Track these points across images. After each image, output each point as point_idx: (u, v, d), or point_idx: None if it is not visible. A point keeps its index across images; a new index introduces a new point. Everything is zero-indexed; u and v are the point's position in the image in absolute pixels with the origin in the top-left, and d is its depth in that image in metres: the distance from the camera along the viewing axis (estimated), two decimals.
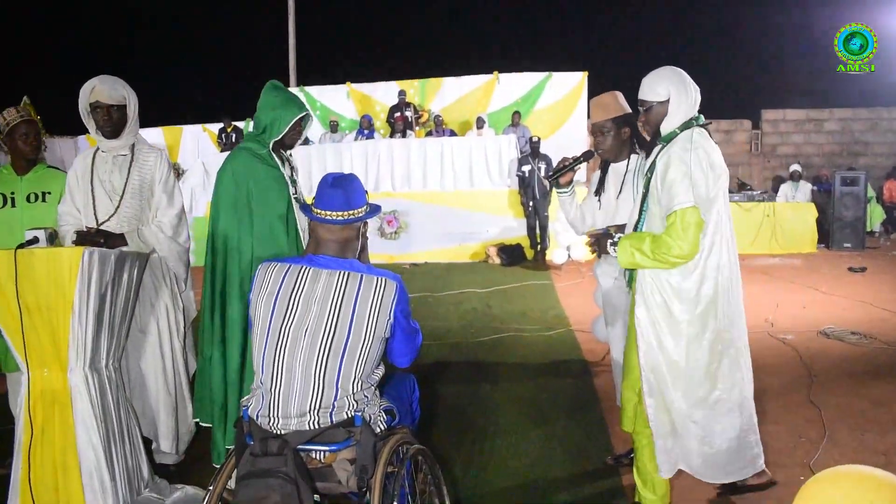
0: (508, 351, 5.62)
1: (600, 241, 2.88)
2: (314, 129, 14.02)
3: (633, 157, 3.30)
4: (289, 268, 2.14)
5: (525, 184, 10.84)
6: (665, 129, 2.72)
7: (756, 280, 9.16)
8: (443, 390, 4.60)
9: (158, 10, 26.35)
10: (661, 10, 25.22)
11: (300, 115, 3.13)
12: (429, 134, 13.17)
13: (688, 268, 2.62)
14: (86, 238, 3.00)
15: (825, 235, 12.46)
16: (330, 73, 16.14)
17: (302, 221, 3.11)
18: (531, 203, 10.75)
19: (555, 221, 10.59)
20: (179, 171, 14.65)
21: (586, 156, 3.37)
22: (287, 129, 3.08)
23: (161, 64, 25.66)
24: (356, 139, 12.93)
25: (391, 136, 12.92)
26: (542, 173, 10.71)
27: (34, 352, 2.73)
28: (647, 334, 2.73)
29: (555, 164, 10.79)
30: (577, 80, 13.79)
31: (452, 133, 13.13)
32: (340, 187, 2.16)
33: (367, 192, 2.30)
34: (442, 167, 11.70)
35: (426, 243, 11.26)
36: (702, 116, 2.73)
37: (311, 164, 11.98)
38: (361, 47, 25.38)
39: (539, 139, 11.11)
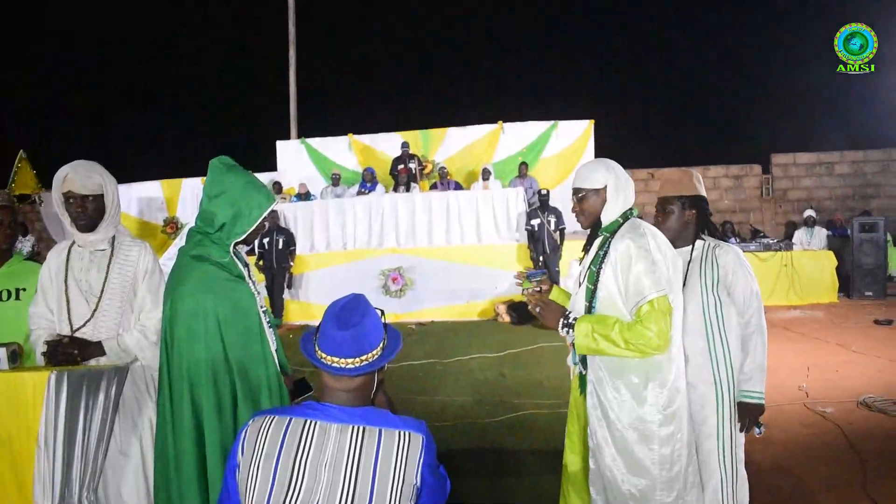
0: (527, 433, 5.20)
1: (546, 312, 2.68)
2: (316, 183, 13.81)
3: (699, 243, 2.96)
4: (289, 423, 1.72)
5: (534, 238, 10.53)
6: (606, 218, 2.68)
7: (779, 337, 8.77)
8: (461, 489, 4.17)
9: (157, 61, 26.45)
10: (667, 57, 25.27)
11: (271, 207, 2.60)
12: (433, 186, 12.92)
13: (657, 360, 2.53)
14: (57, 349, 2.64)
15: (844, 283, 12.11)
16: (331, 124, 15.97)
17: (268, 330, 2.63)
18: (541, 258, 10.42)
19: (566, 277, 10.24)
20: (178, 224, 14.42)
21: None
22: (254, 227, 2.57)
23: (160, 116, 25.68)
24: (359, 192, 12.67)
25: (395, 188, 12.67)
26: (552, 227, 10.42)
27: None
28: (604, 446, 2.61)
29: (565, 217, 10.59)
30: (583, 128, 13.64)
31: (458, 185, 12.87)
32: (349, 328, 1.76)
33: (382, 312, 1.91)
34: (448, 221, 11.40)
35: (432, 301, 10.88)
36: (636, 209, 2.73)
37: (312, 220, 11.75)
38: (363, 98, 25.39)
39: (548, 192, 10.85)
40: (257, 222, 2.57)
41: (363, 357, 1.76)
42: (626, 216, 2.66)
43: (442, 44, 27.68)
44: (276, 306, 10.85)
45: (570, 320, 2.61)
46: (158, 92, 26.35)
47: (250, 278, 2.66)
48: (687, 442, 2.62)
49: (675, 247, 2.97)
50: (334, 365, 1.75)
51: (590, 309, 2.65)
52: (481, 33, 28.61)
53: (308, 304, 11.23)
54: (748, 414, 2.83)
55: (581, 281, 2.77)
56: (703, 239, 2.96)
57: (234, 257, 2.60)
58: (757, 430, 2.86)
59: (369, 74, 27.29)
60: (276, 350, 2.65)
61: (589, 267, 2.71)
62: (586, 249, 2.92)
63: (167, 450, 2.48)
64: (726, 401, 2.82)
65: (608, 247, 2.61)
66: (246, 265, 2.71)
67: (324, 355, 1.77)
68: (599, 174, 2.68)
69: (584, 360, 2.73)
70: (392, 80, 27.05)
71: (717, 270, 2.85)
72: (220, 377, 2.46)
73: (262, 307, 2.62)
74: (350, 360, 1.75)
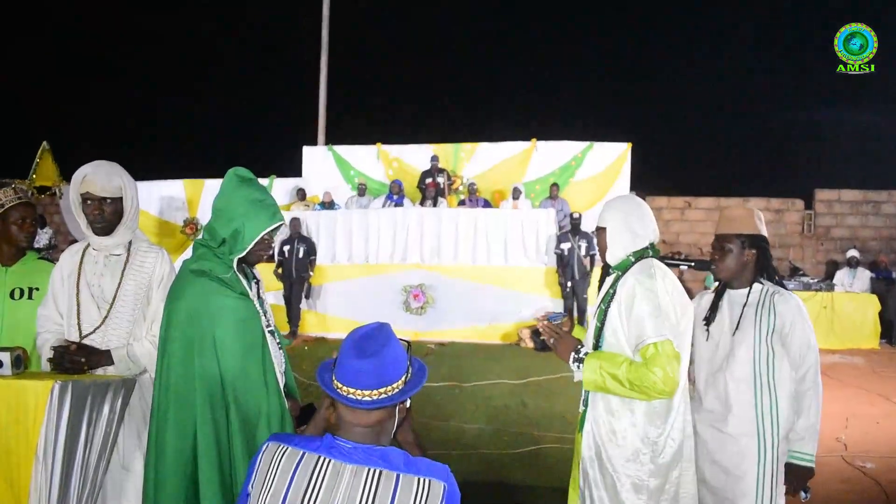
0: (549, 469, 5.07)
1: (559, 343, 2.70)
2: (341, 192, 13.80)
3: (757, 286, 2.84)
4: (302, 456, 1.63)
5: (564, 262, 10.41)
6: (610, 258, 2.74)
7: None
8: None
9: (188, 61, 26.79)
10: (709, 83, 25.07)
11: (272, 227, 2.51)
12: (461, 202, 12.85)
13: (656, 408, 2.54)
14: (63, 356, 2.59)
15: (887, 329, 11.82)
16: (360, 133, 15.98)
17: (275, 351, 2.54)
18: (570, 283, 10.29)
19: (593, 305, 10.09)
20: (198, 225, 14.49)
21: (700, 265, 2.93)
22: (253, 245, 2.47)
23: (188, 113, 25.95)
24: (384, 205, 12.64)
25: (421, 202, 12.61)
26: (583, 252, 10.30)
27: None
28: (594, 486, 2.61)
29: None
30: (619, 151, 13.46)
31: (486, 203, 12.79)
32: (370, 357, 1.65)
33: (408, 345, 1.82)
34: (475, 240, 11.27)
35: (454, 321, 10.74)
36: (652, 249, 2.72)
37: (335, 230, 11.73)
38: (394, 107, 25.44)
39: (580, 216, 10.75)
40: (254, 241, 2.46)
41: (382, 390, 1.65)
42: (639, 255, 2.67)
43: (477, 56, 27.77)
44: (293, 316, 10.83)
45: (580, 354, 2.61)
46: (188, 89, 26.66)
47: (259, 296, 2.59)
48: (675, 496, 2.59)
49: (731, 288, 2.88)
50: (350, 396, 1.65)
51: (597, 347, 2.67)
52: (519, 48, 28.63)
53: (325, 316, 11.19)
54: (797, 476, 2.72)
55: (593, 317, 2.79)
56: (761, 283, 2.84)
57: (239, 273, 2.52)
58: (804, 494, 2.73)
59: (401, 83, 27.38)
60: (283, 371, 2.58)
61: (599, 304, 2.74)
62: (600, 285, 2.94)
63: (149, 472, 2.42)
64: (769, 457, 2.70)
65: (618, 285, 2.64)
66: (257, 281, 2.65)
67: (340, 386, 1.66)
68: (606, 213, 2.78)
69: (586, 399, 2.73)
70: (424, 90, 27.09)
71: (775, 319, 2.73)
72: (216, 400, 2.37)
73: (268, 327, 2.54)
74: (367, 393, 1.64)
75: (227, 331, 2.39)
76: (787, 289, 2.85)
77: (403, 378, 1.71)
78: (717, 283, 3.00)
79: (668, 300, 2.51)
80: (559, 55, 27.90)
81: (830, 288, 11.78)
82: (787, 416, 2.73)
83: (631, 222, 2.69)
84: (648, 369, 2.41)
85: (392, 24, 26.65)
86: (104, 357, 2.68)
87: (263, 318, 2.53)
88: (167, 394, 2.39)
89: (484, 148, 14.03)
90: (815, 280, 12.22)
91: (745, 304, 2.81)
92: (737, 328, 2.79)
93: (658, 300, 2.49)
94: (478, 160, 13.97)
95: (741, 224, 2.84)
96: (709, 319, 2.90)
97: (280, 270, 10.87)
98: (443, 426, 6.09)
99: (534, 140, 13.79)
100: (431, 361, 9.01)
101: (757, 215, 2.87)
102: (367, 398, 1.64)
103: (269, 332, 2.53)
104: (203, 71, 26.59)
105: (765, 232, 2.87)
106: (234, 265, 2.48)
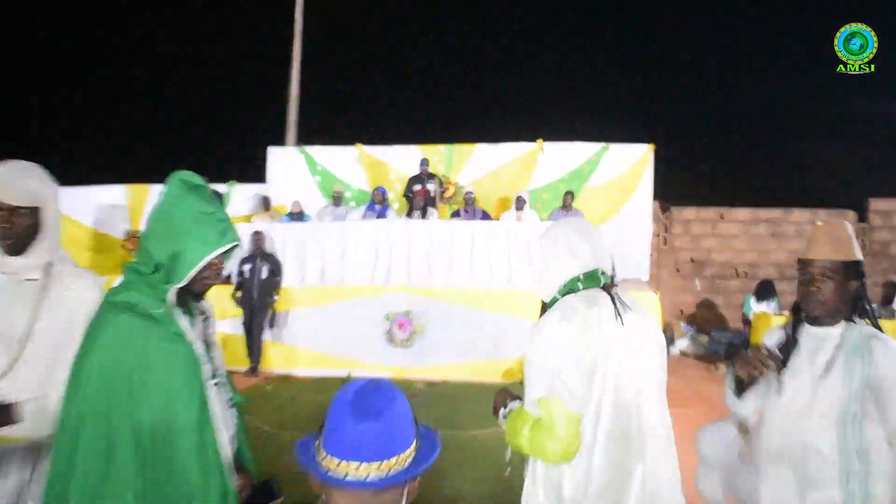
0: None
1: (496, 402, 2.69)
2: (313, 201, 13.59)
3: (845, 324, 2.62)
4: None
5: None
6: (542, 295, 2.68)
7: None
8: None
9: (130, 44, 26.68)
10: (743, 74, 25.13)
11: (220, 250, 2.28)
12: (455, 214, 12.72)
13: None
14: None
15: None
16: (337, 132, 15.88)
17: (222, 411, 2.30)
18: None
19: None
20: None
21: (805, 306, 2.67)
22: (195, 272, 2.24)
23: (130, 108, 25.80)
24: (364, 216, 12.45)
25: (408, 213, 12.49)
26: None
27: None
28: None
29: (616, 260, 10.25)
30: (640, 154, 13.38)
31: (485, 214, 12.69)
32: (375, 418, 1.43)
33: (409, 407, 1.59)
34: (472, 258, 11.16)
35: (446, 355, 10.59)
36: (600, 276, 2.55)
37: (305, 246, 11.58)
38: (377, 102, 25.40)
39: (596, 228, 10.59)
40: (197, 267, 2.23)
41: (392, 460, 1.44)
42: (566, 290, 2.54)
43: (474, 45, 27.76)
44: (254, 349, 10.64)
45: (506, 410, 2.59)
46: (131, 77, 26.53)
47: (205, 338, 2.38)
48: None
49: (816, 325, 2.65)
50: (350, 477, 1.42)
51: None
52: (520, 34, 28.67)
53: (293, 349, 10.99)
54: None
55: None
56: (853, 321, 2.63)
57: (179, 308, 2.29)
58: None
59: (385, 74, 27.34)
60: (232, 437, 2.36)
61: None
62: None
63: None
64: None
65: None
66: (205, 317, 2.44)
67: (335, 462, 1.43)
68: (539, 243, 2.73)
69: None
70: (412, 81, 27.07)
71: (869, 369, 2.48)
72: (126, 482, 2.08)
73: (213, 379, 2.32)
74: (375, 466, 1.42)
75: (151, 386, 2.14)
76: (881, 329, 2.64)
77: (414, 443, 1.50)
78: (788, 316, 2.79)
79: (557, 349, 2.36)
80: (568, 42, 27.93)
81: (891, 314, 11.64)
82: (883, 500, 2.46)
83: (558, 252, 2.59)
84: (545, 435, 2.32)
85: (375, 7, 26.62)
86: (10, 413, 2.43)
87: (208, 366, 2.31)
88: (69, 471, 2.09)
89: (482, 150, 13.95)
90: (874, 306, 12.07)
91: (838, 345, 2.59)
92: (824, 377, 2.55)
93: (544, 347, 2.40)
94: (475, 164, 13.89)
95: (847, 249, 2.64)
96: (781, 366, 2.66)
97: (239, 294, 10.68)
98: (436, 484, 5.85)
99: (540, 141, 13.69)
100: (420, 404, 8.78)
101: (854, 234, 2.68)
102: (375, 474, 1.43)
103: (214, 384, 2.31)
104: (149, 56, 26.45)
105: (860, 255, 2.67)
106: (172, 297, 2.25)
